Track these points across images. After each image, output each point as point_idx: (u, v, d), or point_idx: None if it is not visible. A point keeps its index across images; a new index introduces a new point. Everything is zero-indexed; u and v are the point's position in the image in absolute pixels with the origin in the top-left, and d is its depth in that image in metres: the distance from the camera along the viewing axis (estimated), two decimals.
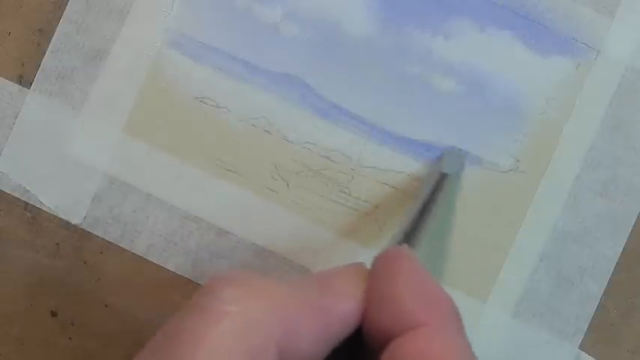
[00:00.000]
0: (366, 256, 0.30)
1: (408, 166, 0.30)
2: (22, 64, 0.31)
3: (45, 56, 0.31)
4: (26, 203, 0.31)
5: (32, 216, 0.31)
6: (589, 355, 0.30)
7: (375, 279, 0.20)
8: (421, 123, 0.31)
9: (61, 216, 0.31)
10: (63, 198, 0.31)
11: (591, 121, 0.30)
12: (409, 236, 0.23)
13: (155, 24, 0.31)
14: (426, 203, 0.26)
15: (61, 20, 0.31)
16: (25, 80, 0.31)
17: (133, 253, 0.31)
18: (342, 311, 0.19)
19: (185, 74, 0.31)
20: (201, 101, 0.31)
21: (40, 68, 0.31)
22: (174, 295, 0.31)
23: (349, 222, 0.31)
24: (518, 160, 0.30)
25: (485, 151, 0.30)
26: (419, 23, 0.30)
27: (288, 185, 0.31)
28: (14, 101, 0.31)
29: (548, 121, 0.30)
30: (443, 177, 0.27)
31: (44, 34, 0.31)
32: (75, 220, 0.31)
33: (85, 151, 0.31)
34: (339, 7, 0.31)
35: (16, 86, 0.31)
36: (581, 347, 0.30)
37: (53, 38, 0.31)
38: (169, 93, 0.31)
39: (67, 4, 0.31)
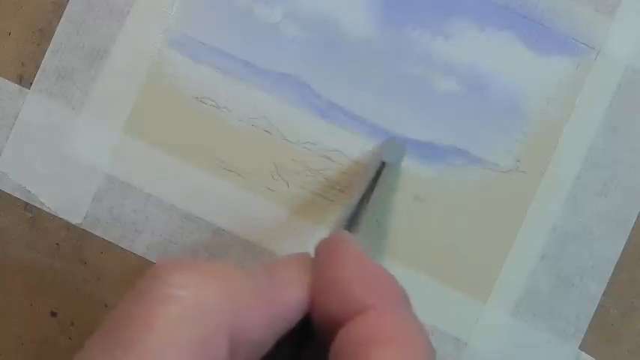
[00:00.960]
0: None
1: (408, 166, 0.30)
2: (22, 64, 0.31)
3: (45, 56, 0.31)
4: (26, 203, 0.31)
5: (32, 216, 0.31)
6: (589, 355, 0.30)
7: (319, 266, 0.20)
8: (421, 123, 0.31)
9: (61, 216, 0.31)
10: (63, 198, 0.31)
11: (591, 121, 0.30)
12: (350, 223, 0.24)
13: (155, 24, 0.31)
14: (366, 191, 0.26)
15: (61, 20, 0.31)
16: (25, 80, 0.31)
17: (133, 253, 0.31)
18: (288, 298, 0.19)
19: (185, 74, 0.31)
20: (201, 101, 0.31)
21: (40, 68, 0.31)
22: None
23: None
24: (518, 160, 0.30)
25: (485, 151, 0.30)
26: (419, 23, 0.30)
27: (288, 185, 0.31)
28: (14, 101, 0.31)
29: (548, 121, 0.30)
30: (383, 165, 0.28)
31: (44, 34, 0.31)
32: (75, 220, 0.31)
33: (85, 151, 0.31)
34: (339, 8, 0.31)
35: (16, 86, 0.31)
36: (581, 347, 0.30)
37: (53, 38, 0.31)
38: (169, 93, 0.31)
39: (67, 4, 0.31)
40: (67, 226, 0.31)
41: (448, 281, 0.30)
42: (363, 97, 0.31)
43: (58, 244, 0.31)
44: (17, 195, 0.31)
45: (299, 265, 0.20)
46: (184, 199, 0.31)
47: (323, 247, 0.20)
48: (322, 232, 0.31)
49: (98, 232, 0.31)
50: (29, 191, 0.31)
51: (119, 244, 0.31)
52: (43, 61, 0.31)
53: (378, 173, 0.27)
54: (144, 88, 0.31)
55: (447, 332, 0.30)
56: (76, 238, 0.31)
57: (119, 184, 0.31)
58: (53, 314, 0.31)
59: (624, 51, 0.30)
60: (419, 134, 0.31)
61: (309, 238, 0.31)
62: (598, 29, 0.30)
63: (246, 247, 0.31)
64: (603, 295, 0.30)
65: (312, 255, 0.21)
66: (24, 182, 0.31)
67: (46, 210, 0.31)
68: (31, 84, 0.31)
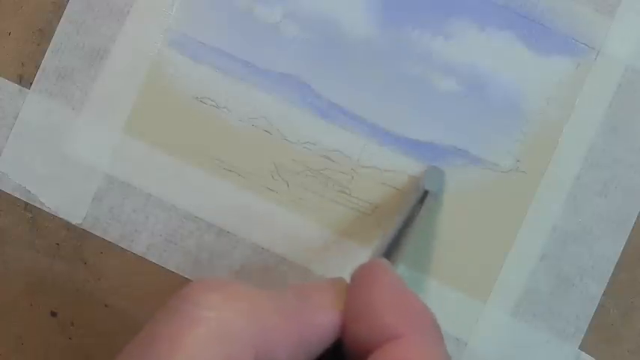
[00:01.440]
0: (366, 257, 0.31)
1: (408, 166, 0.30)
2: (22, 64, 0.31)
3: (45, 56, 0.31)
4: (26, 203, 0.31)
5: (32, 216, 0.31)
6: (589, 355, 0.30)
7: (354, 291, 0.20)
8: (421, 123, 0.31)
9: (61, 216, 0.31)
10: (63, 198, 0.31)
11: (591, 121, 0.30)
12: (389, 250, 0.24)
13: (155, 24, 0.31)
14: (407, 219, 0.26)
15: (61, 20, 0.31)
16: (25, 80, 0.31)
17: (133, 253, 0.31)
18: (319, 322, 0.19)
19: (185, 74, 0.31)
20: (201, 101, 0.31)
21: (40, 68, 0.31)
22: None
23: (349, 222, 0.31)
24: (518, 160, 0.30)
25: (485, 151, 0.30)
26: (419, 23, 0.30)
27: (288, 185, 0.31)
28: (14, 101, 0.31)
29: (548, 121, 0.30)
30: (424, 194, 0.28)
31: (44, 34, 0.31)
32: (75, 220, 0.31)
33: (85, 151, 0.31)
34: (340, 8, 0.31)
35: (16, 86, 0.31)
36: (581, 347, 0.30)
37: (53, 38, 0.31)
38: (169, 93, 0.31)
39: (67, 4, 0.31)
40: (67, 226, 0.31)
41: (448, 281, 0.30)
42: (363, 97, 0.31)
43: (58, 244, 0.31)
44: (17, 195, 0.31)
45: (333, 289, 0.20)
46: (184, 199, 0.31)
47: (359, 273, 0.21)
48: (322, 232, 0.31)
49: (98, 232, 0.31)
50: (29, 191, 0.31)
51: (119, 244, 0.31)
52: (43, 61, 0.31)
53: (420, 201, 0.27)
54: (144, 88, 0.31)
55: (447, 332, 0.30)
56: (76, 238, 0.31)
57: (119, 184, 0.31)
58: (53, 314, 0.31)
59: (624, 51, 0.30)
60: (419, 134, 0.31)
61: (309, 238, 0.31)
62: (598, 29, 0.30)
63: (246, 247, 0.31)
64: (603, 295, 0.30)
65: (348, 280, 0.21)
66: (24, 182, 0.31)
67: (46, 210, 0.31)
68: (31, 84, 0.31)
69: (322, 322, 0.20)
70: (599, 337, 0.30)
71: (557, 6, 0.30)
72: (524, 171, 0.30)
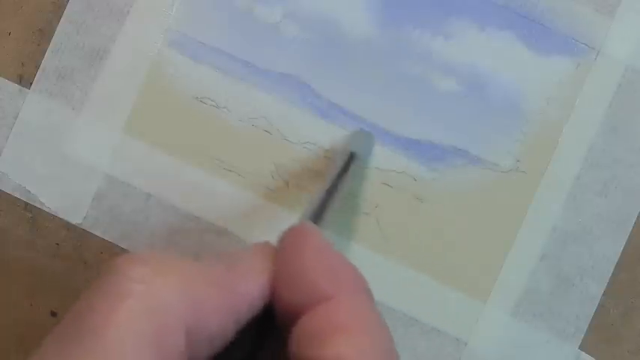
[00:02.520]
0: (366, 257, 0.31)
1: (408, 166, 0.30)
2: (22, 64, 0.31)
3: (45, 56, 0.31)
4: (26, 203, 0.31)
5: (32, 216, 0.31)
6: (589, 355, 0.30)
7: (282, 256, 0.20)
8: (421, 123, 0.31)
9: (61, 216, 0.31)
10: (63, 198, 0.31)
11: (591, 121, 0.30)
12: (315, 214, 0.24)
13: (155, 24, 0.31)
14: (334, 182, 0.26)
15: (61, 20, 0.31)
16: (25, 80, 0.31)
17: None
18: (248, 290, 0.19)
19: (185, 74, 0.31)
20: (201, 101, 0.31)
21: (40, 68, 0.31)
22: None
23: (349, 222, 0.31)
24: (518, 160, 0.30)
25: (485, 151, 0.30)
26: (419, 23, 0.30)
27: (288, 185, 0.31)
28: (14, 101, 0.31)
29: (548, 121, 0.30)
30: (351, 157, 0.28)
31: (44, 34, 0.31)
32: (75, 220, 0.31)
33: (85, 151, 0.31)
34: (339, 8, 0.31)
35: (16, 86, 0.31)
36: (581, 347, 0.30)
37: (53, 38, 0.31)
38: (169, 93, 0.31)
39: (67, 4, 0.31)
40: (67, 226, 0.31)
41: (448, 281, 0.30)
42: (363, 97, 0.31)
43: (58, 244, 0.31)
44: (17, 195, 0.31)
45: (260, 255, 0.20)
46: (184, 199, 0.31)
47: (286, 237, 0.21)
48: (323, 232, 0.31)
49: (98, 232, 0.31)
50: (29, 191, 0.31)
51: (119, 244, 0.31)
52: (43, 61, 0.31)
53: (347, 164, 0.27)
54: (144, 88, 0.31)
55: (447, 332, 0.30)
56: (76, 238, 0.31)
57: (119, 184, 0.31)
58: (53, 314, 0.31)
59: (624, 51, 0.30)
60: (419, 134, 0.31)
61: None
62: (598, 29, 0.30)
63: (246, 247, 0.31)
64: (603, 295, 0.30)
65: (275, 244, 0.21)
66: (24, 182, 0.31)
67: (46, 210, 0.31)
68: (31, 84, 0.31)
69: (251, 289, 0.19)
70: (599, 337, 0.30)
71: (557, 6, 0.30)
72: (524, 171, 0.30)
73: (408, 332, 0.30)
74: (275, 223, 0.31)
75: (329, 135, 0.31)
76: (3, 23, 0.31)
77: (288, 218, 0.31)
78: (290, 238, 0.21)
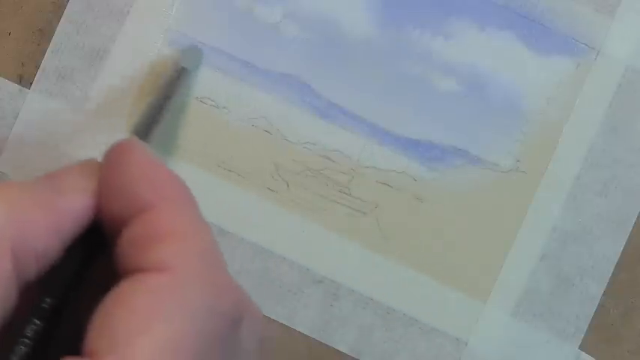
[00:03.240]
0: (366, 257, 0.31)
1: (408, 166, 0.30)
2: (22, 64, 0.31)
3: (45, 56, 0.31)
4: None
5: None
6: (589, 355, 0.30)
7: (107, 170, 0.20)
8: (421, 123, 0.31)
9: None
10: None
11: (591, 121, 0.30)
12: (144, 130, 0.24)
13: (155, 24, 0.31)
14: (163, 97, 0.26)
15: (61, 20, 0.31)
16: (25, 80, 0.31)
17: None
18: (72, 207, 0.20)
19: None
20: (201, 101, 0.31)
21: (40, 68, 0.31)
22: None
23: (349, 222, 0.31)
24: (518, 160, 0.30)
25: (485, 151, 0.30)
26: (419, 23, 0.30)
27: (288, 185, 0.31)
28: (14, 101, 0.31)
29: (548, 121, 0.30)
30: (180, 72, 0.28)
31: (44, 34, 0.31)
32: None
33: (85, 151, 0.31)
34: (339, 7, 0.31)
35: (16, 86, 0.31)
36: (581, 347, 0.30)
37: (53, 38, 0.31)
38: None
39: (67, 4, 0.31)
40: None
41: (448, 281, 0.30)
42: (363, 97, 0.31)
43: None
44: None
45: (82, 171, 0.21)
46: None
47: (111, 152, 0.21)
48: (322, 232, 0.31)
49: None
50: None
51: None
52: (43, 61, 0.31)
53: (175, 80, 0.27)
54: (144, 88, 0.31)
55: (447, 332, 0.30)
56: None
57: None
58: None
59: (624, 51, 0.30)
60: (419, 134, 0.31)
61: (309, 238, 0.31)
62: (598, 29, 0.30)
63: (246, 248, 0.31)
64: (603, 295, 0.30)
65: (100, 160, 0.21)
66: None
67: None
68: (31, 84, 0.31)
69: (75, 206, 0.20)
70: (599, 337, 0.30)
71: (557, 6, 0.30)
72: (524, 171, 0.30)
73: (408, 332, 0.30)
74: (275, 223, 0.31)
75: (329, 135, 0.31)
76: (3, 23, 0.31)
77: (289, 218, 0.31)
78: (114, 152, 0.21)
